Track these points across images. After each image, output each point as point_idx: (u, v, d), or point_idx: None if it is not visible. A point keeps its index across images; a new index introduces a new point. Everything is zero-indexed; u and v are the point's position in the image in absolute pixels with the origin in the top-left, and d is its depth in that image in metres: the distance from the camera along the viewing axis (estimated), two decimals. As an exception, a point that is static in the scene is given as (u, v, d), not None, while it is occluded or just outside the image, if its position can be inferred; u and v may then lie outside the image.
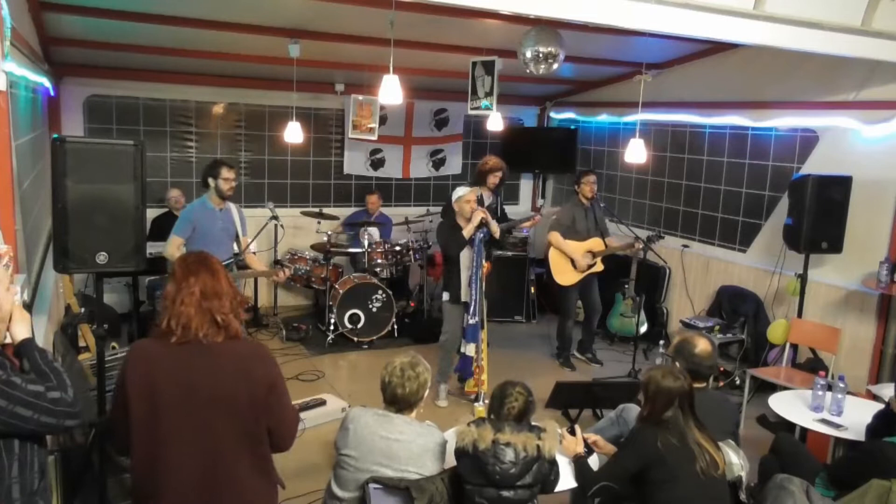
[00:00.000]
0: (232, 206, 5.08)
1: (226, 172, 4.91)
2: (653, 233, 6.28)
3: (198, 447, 2.21)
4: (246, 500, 2.29)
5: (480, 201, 6.34)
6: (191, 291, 2.23)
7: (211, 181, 4.92)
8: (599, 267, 6.19)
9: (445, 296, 5.35)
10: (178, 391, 2.19)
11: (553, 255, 6.18)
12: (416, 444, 2.85)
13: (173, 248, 4.79)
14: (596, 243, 6.17)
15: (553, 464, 2.89)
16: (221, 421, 2.21)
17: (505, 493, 2.79)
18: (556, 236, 6.14)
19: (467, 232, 5.09)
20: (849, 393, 4.04)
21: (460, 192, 5.27)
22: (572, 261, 6.12)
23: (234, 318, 2.27)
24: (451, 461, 3.14)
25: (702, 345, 3.33)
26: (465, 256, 5.18)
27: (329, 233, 6.97)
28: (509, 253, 7.48)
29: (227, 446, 2.23)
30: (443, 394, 5.44)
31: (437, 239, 5.44)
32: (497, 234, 5.20)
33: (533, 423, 2.94)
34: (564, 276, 6.16)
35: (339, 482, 2.89)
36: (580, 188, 6.13)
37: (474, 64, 6.13)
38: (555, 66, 4.97)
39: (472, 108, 6.26)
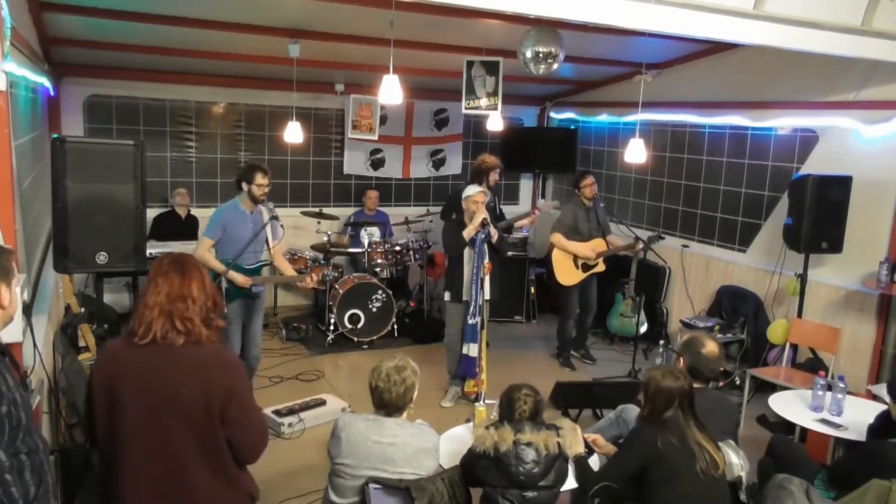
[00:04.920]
0: (263, 210, 4.98)
1: (260, 178, 4.85)
2: (653, 233, 6.28)
3: (155, 450, 2.18)
4: None
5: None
6: (157, 292, 2.21)
7: (245, 185, 4.86)
8: (601, 267, 6.20)
9: (447, 295, 5.35)
10: (135, 393, 2.17)
11: (556, 256, 6.18)
12: (410, 446, 2.84)
13: (203, 249, 4.73)
14: (598, 244, 6.18)
15: (567, 461, 2.94)
16: (178, 426, 2.17)
17: (528, 494, 2.81)
18: (558, 237, 6.14)
19: (467, 233, 5.09)
20: (849, 393, 4.03)
21: (470, 190, 5.27)
22: (575, 261, 6.12)
23: (200, 322, 2.23)
24: (451, 461, 3.15)
25: (710, 346, 3.35)
26: (467, 255, 5.19)
27: (329, 233, 6.97)
28: (509, 253, 7.48)
29: (185, 452, 2.19)
30: (451, 395, 5.44)
31: (441, 238, 5.43)
32: (495, 238, 5.18)
33: (548, 423, 2.96)
34: (567, 276, 6.16)
35: (337, 490, 2.86)
36: (580, 191, 6.14)
37: (470, 63, 6.10)
38: (555, 66, 4.97)
39: (467, 108, 6.22)
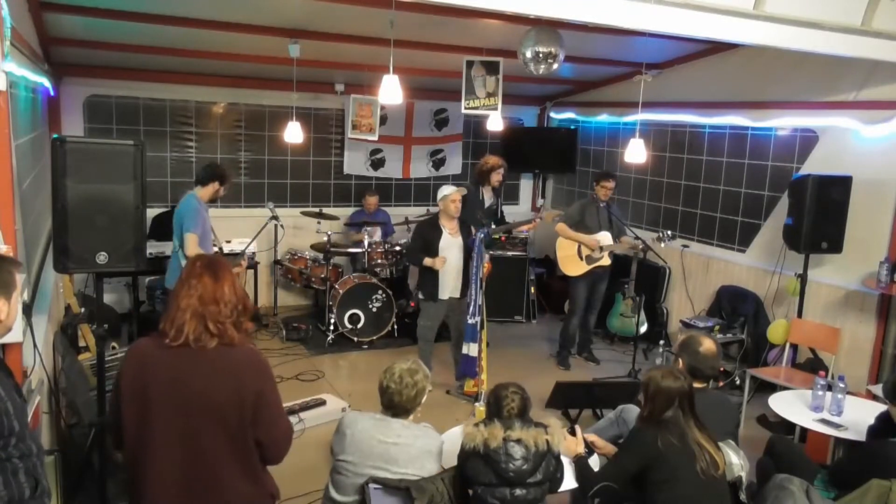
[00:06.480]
0: None
1: (229, 181, 5.09)
2: (665, 233, 6.05)
3: (183, 450, 2.19)
4: None
5: (480, 204, 6.38)
6: (189, 294, 2.23)
7: (217, 183, 4.94)
8: (606, 261, 6.18)
9: (420, 294, 5.53)
10: (166, 393, 2.18)
11: (560, 245, 6.18)
12: (414, 447, 2.85)
13: (195, 246, 4.70)
14: (604, 238, 6.16)
15: (558, 460, 2.94)
16: (208, 426, 2.19)
17: (517, 492, 2.81)
18: (563, 227, 6.15)
19: (428, 262, 5.32)
20: (849, 393, 4.04)
21: (446, 190, 5.44)
22: (579, 251, 6.11)
23: (231, 325, 2.24)
24: (450, 461, 3.15)
25: (707, 344, 3.35)
26: (447, 252, 5.38)
27: (329, 233, 6.97)
28: (509, 253, 7.48)
29: (214, 452, 2.20)
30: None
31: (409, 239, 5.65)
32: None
33: (536, 421, 2.96)
34: (571, 266, 6.16)
35: (338, 487, 2.87)
36: (596, 189, 6.15)
37: (470, 63, 6.09)
38: (555, 66, 4.97)
39: (466, 108, 6.21)
